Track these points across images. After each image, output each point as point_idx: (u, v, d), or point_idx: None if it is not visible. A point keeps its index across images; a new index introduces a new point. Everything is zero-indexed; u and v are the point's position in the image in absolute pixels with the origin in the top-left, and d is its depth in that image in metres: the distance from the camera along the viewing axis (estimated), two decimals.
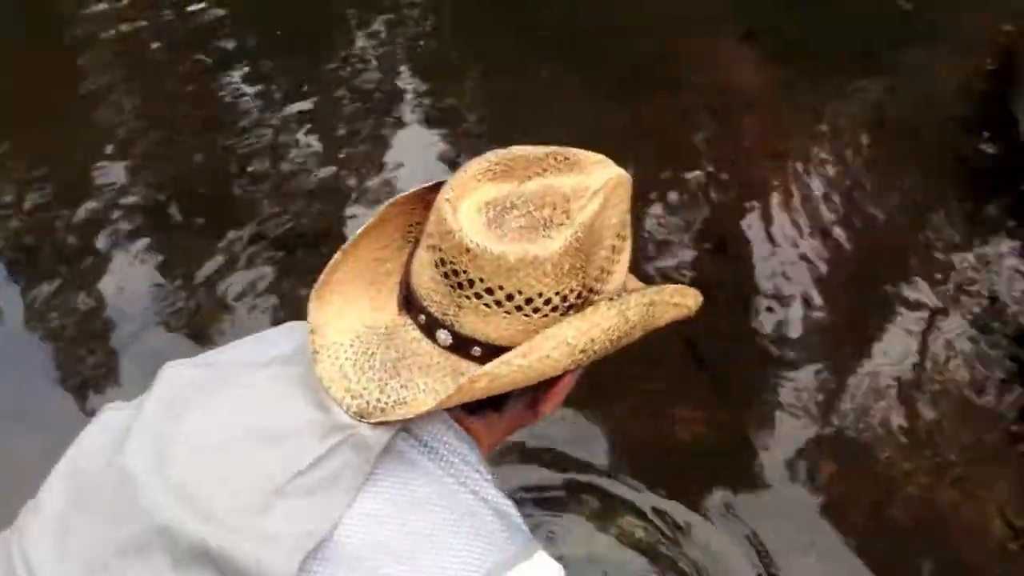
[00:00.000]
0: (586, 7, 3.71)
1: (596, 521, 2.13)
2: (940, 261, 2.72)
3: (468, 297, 0.95)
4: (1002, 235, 2.77)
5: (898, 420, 2.31)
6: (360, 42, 3.70)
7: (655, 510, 2.13)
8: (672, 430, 2.30)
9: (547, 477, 2.19)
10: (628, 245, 1.03)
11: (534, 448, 2.20)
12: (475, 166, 1.00)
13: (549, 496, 2.17)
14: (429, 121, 3.30)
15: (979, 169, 2.96)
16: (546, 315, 0.96)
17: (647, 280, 1.04)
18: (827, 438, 2.29)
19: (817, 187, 2.94)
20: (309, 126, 3.27)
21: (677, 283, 2.61)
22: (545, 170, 1.00)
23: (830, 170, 2.99)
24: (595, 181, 0.97)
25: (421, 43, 3.71)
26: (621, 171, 0.99)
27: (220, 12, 3.81)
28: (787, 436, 2.30)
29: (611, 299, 0.99)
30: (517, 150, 1.01)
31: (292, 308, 2.53)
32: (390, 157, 3.15)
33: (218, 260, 2.75)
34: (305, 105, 3.36)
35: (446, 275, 0.95)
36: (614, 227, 0.99)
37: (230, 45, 3.69)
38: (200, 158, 3.15)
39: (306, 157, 3.15)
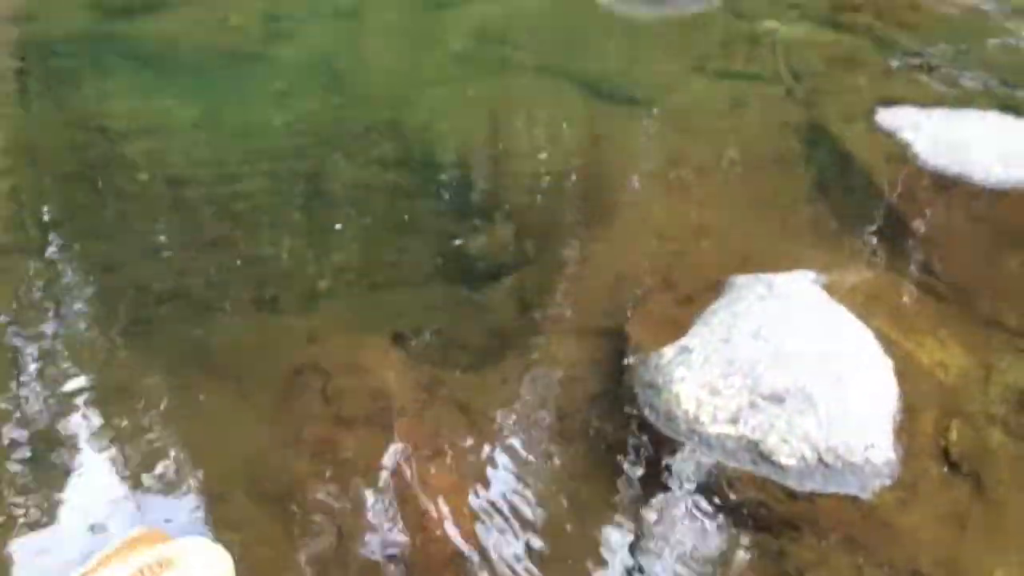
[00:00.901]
0: (238, 323, 3.73)
1: None
2: (606, 534, 2.85)
3: None
4: (653, 509, 2.95)
5: None
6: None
7: None
8: None
9: None
10: None
11: None
12: None
13: None
14: (81, 467, 3.06)
15: (619, 444, 3.17)
16: None
17: None
18: None
19: (477, 481, 3.01)
20: None
21: None
22: None
23: (484, 461, 3.08)
24: None
25: (75, 386, 3.47)
26: (217, 552, 0.96)
27: None
28: None
29: None
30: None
31: None
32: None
33: None
34: None
35: None
36: None
37: None
38: None
39: None
